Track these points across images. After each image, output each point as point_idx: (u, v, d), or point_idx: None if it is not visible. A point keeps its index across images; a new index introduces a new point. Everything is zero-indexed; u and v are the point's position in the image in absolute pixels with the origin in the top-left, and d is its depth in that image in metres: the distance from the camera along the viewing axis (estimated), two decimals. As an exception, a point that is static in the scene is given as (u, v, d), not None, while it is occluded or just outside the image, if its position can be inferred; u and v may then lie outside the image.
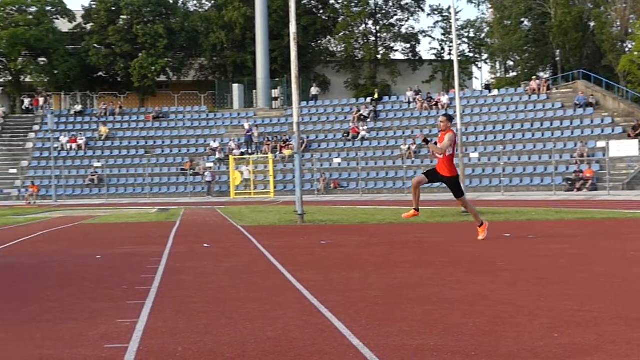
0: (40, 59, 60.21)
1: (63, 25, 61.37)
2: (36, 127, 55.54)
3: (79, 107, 58.16)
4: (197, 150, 52.26)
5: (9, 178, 50.26)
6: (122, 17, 60.76)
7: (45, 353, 5.21)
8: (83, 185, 49.67)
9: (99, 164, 50.35)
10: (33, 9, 60.18)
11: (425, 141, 13.54)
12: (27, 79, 61.24)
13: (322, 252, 11.82)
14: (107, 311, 6.76)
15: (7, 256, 12.44)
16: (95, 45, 60.89)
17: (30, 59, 59.51)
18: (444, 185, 13.63)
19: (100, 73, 63.28)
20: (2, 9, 59.30)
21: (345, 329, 5.74)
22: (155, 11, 60.64)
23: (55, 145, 51.01)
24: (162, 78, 62.37)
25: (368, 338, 5.40)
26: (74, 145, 52.82)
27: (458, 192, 13.38)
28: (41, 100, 58.67)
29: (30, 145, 53.78)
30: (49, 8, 60.76)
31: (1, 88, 64.36)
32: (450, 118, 13.59)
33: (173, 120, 55.99)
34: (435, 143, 13.40)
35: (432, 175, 13.38)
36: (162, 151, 52.53)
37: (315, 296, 7.29)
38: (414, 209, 13.60)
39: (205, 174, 47.57)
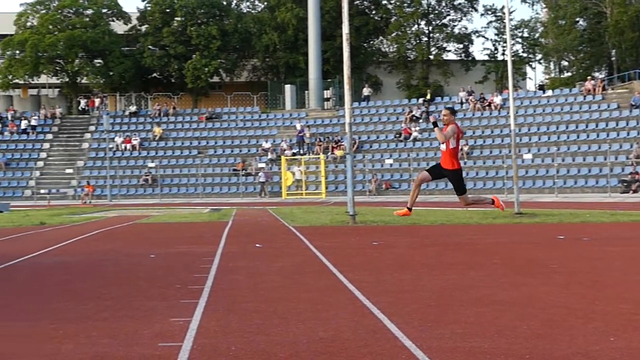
0: (96, 61, 61.08)
1: (118, 27, 62.20)
2: (92, 128, 56.42)
3: (133, 108, 58.93)
4: (249, 150, 52.58)
5: (65, 178, 51.08)
6: (176, 18, 61.37)
7: (101, 351, 5.30)
8: (137, 185, 50.26)
9: (152, 164, 50.86)
10: (89, 12, 61.06)
11: (434, 124, 13.54)
12: (84, 80, 62.18)
13: (374, 253, 11.81)
14: (162, 310, 6.84)
15: (63, 255, 12.64)
16: (150, 46, 61.59)
17: (86, 60, 60.42)
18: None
19: (154, 74, 63.99)
20: (59, 11, 60.28)
21: (398, 330, 5.73)
22: (209, 13, 61.13)
23: (110, 146, 51.71)
24: (215, 79, 62.86)
25: (420, 340, 5.38)
26: (128, 146, 53.52)
27: (460, 188, 13.42)
28: (97, 101, 59.60)
29: (86, 145, 54.63)
30: (104, 10, 61.63)
31: (58, 89, 65.44)
32: (453, 111, 13.62)
33: (226, 121, 56.38)
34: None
35: (436, 172, 13.49)
36: (215, 151, 52.93)
37: (367, 297, 7.29)
38: (407, 207, 13.81)
39: (259, 174, 47.82)
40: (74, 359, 5.09)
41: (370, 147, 50.04)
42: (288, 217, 23.18)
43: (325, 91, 58.58)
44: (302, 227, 18.11)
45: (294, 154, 49.99)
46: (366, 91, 57.15)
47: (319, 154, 49.01)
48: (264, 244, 13.68)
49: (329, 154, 49.28)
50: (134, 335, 5.76)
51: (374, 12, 66.43)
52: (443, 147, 13.28)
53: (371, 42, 66.97)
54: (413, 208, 14.12)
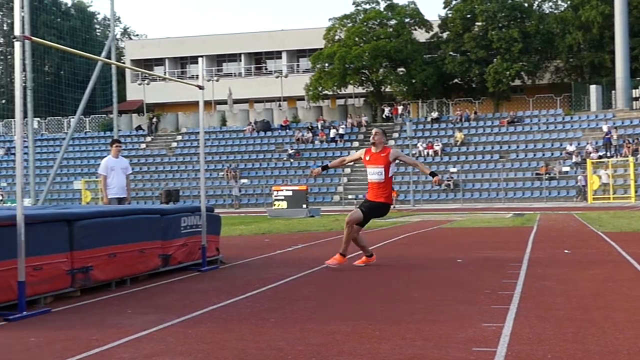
0: (399, 69, 62.62)
1: (420, 35, 63.35)
2: (395, 135, 57.96)
3: (435, 114, 59.79)
4: (552, 154, 51.28)
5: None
6: (477, 23, 61.34)
7: (416, 353, 5.45)
8: (439, 190, 50.85)
9: (454, 169, 51.28)
10: (393, 22, 62.78)
11: (325, 167, 11.56)
12: (387, 89, 64.00)
13: (695, 262, 11.05)
14: (473, 314, 6.89)
15: (373, 258, 13.08)
16: (451, 53, 62.08)
17: (390, 69, 62.13)
18: None
19: (455, 80, 64.39)
20: (365, 23, 62.56)
21: None
22: (510, 15, 60.43)
23: (413, 152, 52.77)
24: (517, 82, 61.95)
25: None
26: (430, 151, 54.36)
27: (367, 221, 10.96)
28: (400, 108, 61.20)
29: (389, 151, 56.18)
30: (407, 20, 63.03)
31: (364, 98, 67.92)
32: (385, 132, 11.23)
33: (528, 124, 55.47)
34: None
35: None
36: (517, 155, 52.21)
37: (690, 309, 6.86)
38: (341, 253, 10.94)
39: (579, 177, 46.65)
40: (392, 359, 5.29)
41: (686, 148, 46.88)
42: (595, 222, 22.31)
43: (633, 90, 55.70)
44: (612, 233, 17.35)
45: (600, 157, 48.03)
46: (682, 89, 53.64)
47: (627, 157, 46.66)
48: (572, 250, 13.29)
49: (639, 156, 46.75)
50: (448, 339, 5.86)
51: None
52: (377, 177, 10.83)
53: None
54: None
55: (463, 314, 6.92)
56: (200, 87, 12.13)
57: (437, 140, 55.58)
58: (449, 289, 8.75)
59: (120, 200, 14.05)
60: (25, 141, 29.85)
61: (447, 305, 7.48)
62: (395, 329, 6.31)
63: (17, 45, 7.99)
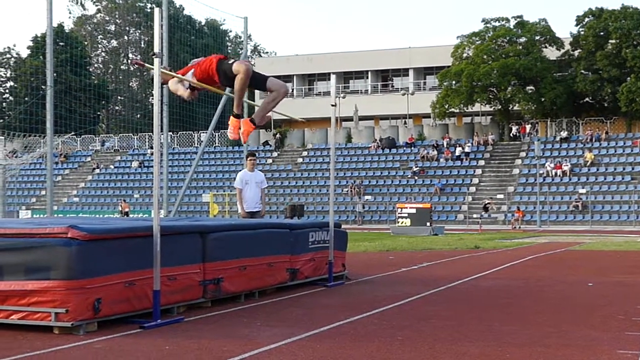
0: (528, 88, 61.49)
1: (551, 53, 62.04)
2: (522, 154, 56.95)
3: (564, 134, 58.41)
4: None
5: (496, 202, 52.06)
6: (610, 41, 59.61)
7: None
8: (567, 212, 49.59)
9: (583, 191, 49.92)
10: (522, 39, 61.78)
11: None
12: (515, 107, 62.93)
13: None
14: (606, 340, 6.70)
15: (500, 278, 12.90)
16: (583, 71, 60.52)
17: (518, 87, 61.09)
18: None
19: (586, 99, 62.73)
20: (494, 41, 61.79)
21: None
22: (646, 33, 58.50)
23: (541, 172, 51.70)
24: (652, 102, 59.82)
25: None
26: (558, 172, 53.10)
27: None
28: (528, 127, 60.07)
29: (516, 171, 55.24)
30: (537, 37, 61.91)
31: (491, 116, 67.03)
32: None
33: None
34: None
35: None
36: (651, 178, 50.44)
37: None
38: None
39: None
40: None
41: None
42: None
43: None
44: None
45: None
46: None
47: None
48: None
49: None
50: (580, 364, 5.73)
51: None
52: None
53: None
54: None
55: (596, 340, 6.74)
56: (333, 105, 12.34)
57: (565, 160, 54.25)
58: (580, 313, 8.53)
59: (253, 214, 14.15)
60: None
61: (579, 330, 7.30)
62: (526, 353, 6.20)
63: (156, 61, 8.27)
